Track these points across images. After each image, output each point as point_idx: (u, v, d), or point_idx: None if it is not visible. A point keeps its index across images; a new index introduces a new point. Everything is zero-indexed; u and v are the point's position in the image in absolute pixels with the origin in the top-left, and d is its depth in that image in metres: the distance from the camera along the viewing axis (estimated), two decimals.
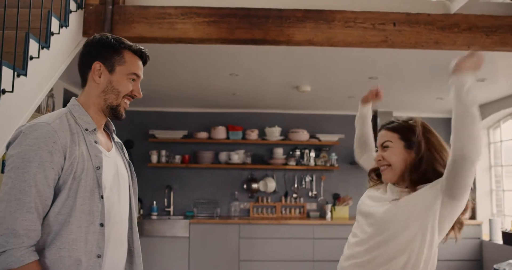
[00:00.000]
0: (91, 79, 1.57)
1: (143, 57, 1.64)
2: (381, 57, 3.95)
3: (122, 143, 1.75)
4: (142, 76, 1.63)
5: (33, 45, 2.51)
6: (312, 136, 6.41)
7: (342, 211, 6.30)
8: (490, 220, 5.79)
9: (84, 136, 1.50)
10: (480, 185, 6.19)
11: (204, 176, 6.45)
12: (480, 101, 5.82)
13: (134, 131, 6.25)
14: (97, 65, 1.56)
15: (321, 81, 4.80)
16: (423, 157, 1.69)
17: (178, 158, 6.27)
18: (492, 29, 3.35)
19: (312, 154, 6.38)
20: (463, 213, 1.69)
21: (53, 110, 3.61)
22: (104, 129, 1.67)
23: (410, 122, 1.78)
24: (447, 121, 6.59)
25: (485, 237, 5.90)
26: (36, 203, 1.35)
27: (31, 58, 2.48)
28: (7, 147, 1.43)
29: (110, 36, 1.59)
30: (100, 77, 1.56)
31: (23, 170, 1.35)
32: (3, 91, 2.20)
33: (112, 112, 1.59)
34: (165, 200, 6.37)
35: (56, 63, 2.85)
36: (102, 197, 1.47)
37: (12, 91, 2.25)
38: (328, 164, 6.39)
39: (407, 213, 1.63)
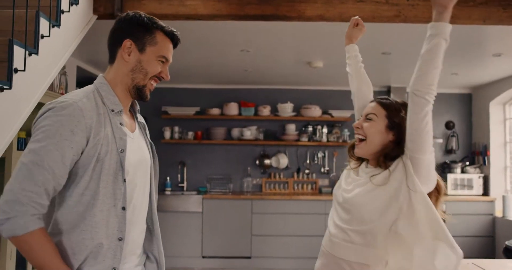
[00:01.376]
0: (120, 56, 1.54)
1: (174, 40, 1.59)
2: (394, 32, 3.88)
3: (145, 123, 1.72)
4: (171, 60, 1.60)
5: (44, 24, 2.52)
6: (324, 112, 6.39)
7: None
8: (503, 196, 5.77)
9: (110, 117, 1.48)
10: (494, 161, 6.14)
11: (217, 152, 6.50)
12: (496, 77, 5.72)
13: (147, 108, 6.29)
14: (127, 42, 1.52)
15: (333, 56, 4.75)
16: (401, 142, 1.66)
17: (191, 134, 6.31)
18: (510, 2, 3.26)
19: (325, 130, 6.37)
20: (439, 193, 1.68)
21: (66, 88, 3.64)
22: (129, 109, 1.64)
23: (401, 102, 1.75)
24: (462, 96, 6.55)
25: (498, 213, 5.88)
26: (46, 178, 1.33)
27: (42, 36, 2.50)
28: (35, 122, 1.42)
29: (143, 15, 1.55)
30: (129, 55, 1.53)
31: (41, 145, 1.34)
32: (15, 70, 2.22)
33: (138, 93, 1.56)
34: (179, 176, 6.45)
35: (67, 41, 2.86)
36: (125, 180, 1.46)
37: (24, 70, 2.27)
38: (340, 140, 6.38)
39: (381, 196, 1.61)
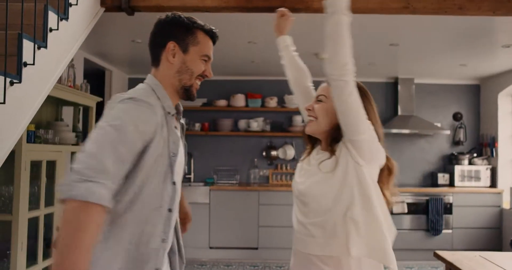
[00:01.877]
0: (165, 59, 1.55)
1: (214, 37, 1.62)
2: (402, 24, 3.85)
3: (184, 124, 1.73)
4: (212, 58, 1.62)
5: (52, 17, 2.53)
6: None
7: None
8: (511, 188, 5.75)
9: (167, 120, 1.49)
10: (502, 153, 6.11)
11: (224, 143, 6.51)
12: (505, 68, 5.67)
13: None
14: (171, 45, 1.53)
15: None
16: None
17: (197, 125, 6.33)
18: None
19: None
20: (390, 171, 1.66)
21: (74, 80, 3.65)
22: None
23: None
24: (470, 87, 6.50)
25: (506, 205, 5.87)
26: (126, 159, 1.32)
27: (51, 30, 2.50)
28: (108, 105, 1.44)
29: (182, 15, 1.57)
30: (174, 57, 1.54)
31: (117, 129, 1.33)
32: (25, 64, 2.24)
33: (186, 93, 1.58)
34: (186, 167, 6.47)
35: (76, 34, 2.87)
36: (174, 183, 1.48)
37: (33, 64, 2.28)
38: None
39: (332, 184, 1.59)
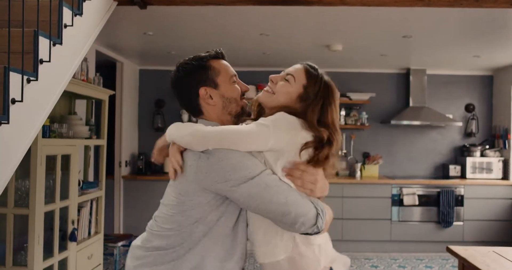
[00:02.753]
0: (205, 104, 1.56)
1: (224, 56, 1.62)
2: (416, 16, 3.81)
3: None
4: (235, 73, 1.61)
5: (67, 13, 2.53)
6: (342, 95, 6.34)
7: (371, 169, 6.32)
8: None
9: None
10: None
11: None
12: None
13: (165, 91, 6.31)
14: (202, 90, 1.54)
15: (353, 40, 4.69)
16: (298, 115, 1.49)
17: None
18: None
19: (343, 113, 6.33)
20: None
21: (87, 74, 3.67)
22: None
23: (327, 81, 1.57)
24: (483, 78, 6.43)
25: None
26: None
27: (65, 26, 2.51)
28: None
29: (189, 59, 1.58)
30: (212, 98, 1.54)
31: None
32: (41, 61, 2.25)
33: (242, 115, 1.60)
34: None
35: (90, 29, 2.87)
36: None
37: (49, 61, 2.29)
38: (358, 123, 6.35)
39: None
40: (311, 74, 1.57)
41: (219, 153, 1.38)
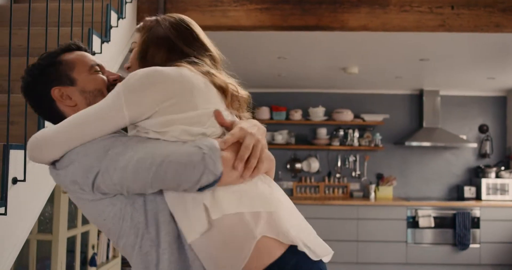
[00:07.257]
0: (65, 107, 1.29)
1: (78, 46, 1.36)
2: (435, 40, 3.82)
3: None
4: (99, 63, 1.35)
5: (96, 41, 2.56)
6: (356, 116, 6.35)
7: (385, 191, 6.28)
8: None
9: None
10: None
11: None
12: None
13: None
14: (55, 91, 1.28)
15: (370, 63, 4.71)
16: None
17: None
18: None
19: (356, 134, 6.32)
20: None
21: None
22: None
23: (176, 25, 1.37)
24: (497, 99, 6.42)
25: None
26: None
27: (94, 53, 2.53)
28: None
29: (36, 61, 1.32)
30: (71, 98, 1.28)
31: None
32: None
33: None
34: None
35: (115, 55, 2.90)
36: None
37: None
38: (372, 144, 6.33)
39: None
40: (140, 27, 1.38)
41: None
